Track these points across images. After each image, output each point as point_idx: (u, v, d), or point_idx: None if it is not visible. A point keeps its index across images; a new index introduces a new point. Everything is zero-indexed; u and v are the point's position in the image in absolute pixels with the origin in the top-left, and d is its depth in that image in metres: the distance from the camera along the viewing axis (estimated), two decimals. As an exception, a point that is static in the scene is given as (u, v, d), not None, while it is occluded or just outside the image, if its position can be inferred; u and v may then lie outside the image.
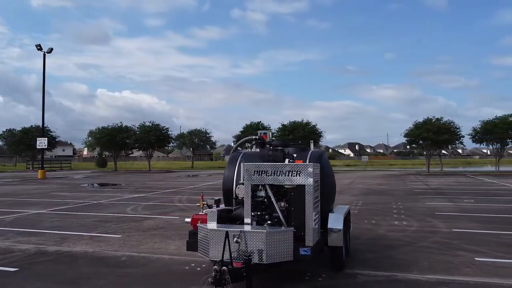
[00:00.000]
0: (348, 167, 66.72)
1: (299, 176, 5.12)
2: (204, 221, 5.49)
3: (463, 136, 40.75)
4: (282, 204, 5.36)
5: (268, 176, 5.22)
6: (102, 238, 8.73)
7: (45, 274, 6.15)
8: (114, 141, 48.87)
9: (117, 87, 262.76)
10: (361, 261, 6.69)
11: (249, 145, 8.59)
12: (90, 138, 54.58)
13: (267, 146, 6.46)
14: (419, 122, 40.52)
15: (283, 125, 44.18)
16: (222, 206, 6.64)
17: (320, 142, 44.91)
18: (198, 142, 62.09)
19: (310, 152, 6.56)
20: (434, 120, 39.90)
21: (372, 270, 6.18)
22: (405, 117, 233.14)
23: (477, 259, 6.83)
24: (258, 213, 5.36)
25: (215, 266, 4.35)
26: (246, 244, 4.72)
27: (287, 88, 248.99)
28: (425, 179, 30.57)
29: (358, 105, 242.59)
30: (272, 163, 5.37)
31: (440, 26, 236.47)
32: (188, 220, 5.88)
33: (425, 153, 41.80)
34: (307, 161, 6.26)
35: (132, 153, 66.38)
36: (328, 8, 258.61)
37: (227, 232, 4.68)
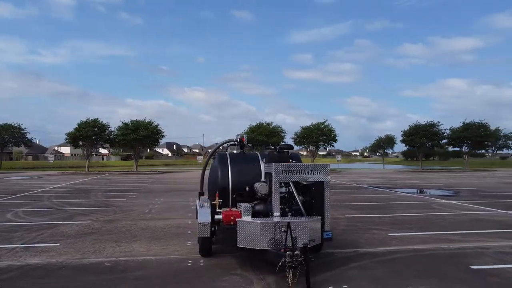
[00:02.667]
0: (186, 166, 67.95)
1: (320, 174, 6.20)
2: (238, 216, 5.98)
3: (283, 140, 47.26)
4: (301, 197, 6.33)
5: (294, 174, 6.11)
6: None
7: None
8: None
9: None
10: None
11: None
12: None
13: (275, 148, 7.24)
14: (253, 125, 45.21)
15: (125, 123, 42.35)
16: (206, 204, 7.10)
17: (160, 141, 44.94)
18: (8, 139, 53.05)
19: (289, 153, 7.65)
20: (265, 124, 45.15)
21: (338, 249, 7.66)
22: (213, 119, 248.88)
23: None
24: (281, 206, 6.18)
25: (289, 252, 5.08)
26: (295, 232, 5.54)
27: (96, 82, 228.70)
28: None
29: (171, 105, 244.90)
30: (298, 164, 6.27)
31: (245, 37, 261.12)
32: (220, 217, 6.19)
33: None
34: (290, 161, 7.36)
35: None
36: (141, 4, 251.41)
37: (289, 223, 5.41)
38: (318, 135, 45.01)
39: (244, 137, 7.95)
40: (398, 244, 8.14)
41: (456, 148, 53.17)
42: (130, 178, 33.12)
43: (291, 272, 5.13)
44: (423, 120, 71.88)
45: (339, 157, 58.04)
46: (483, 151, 59.74)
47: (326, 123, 46.57)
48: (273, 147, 7.55)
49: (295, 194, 6.23)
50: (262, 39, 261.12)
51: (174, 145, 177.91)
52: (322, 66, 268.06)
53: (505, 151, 66.30)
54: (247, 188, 6.79)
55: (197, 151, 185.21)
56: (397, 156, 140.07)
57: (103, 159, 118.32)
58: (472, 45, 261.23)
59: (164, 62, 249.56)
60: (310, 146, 46.80)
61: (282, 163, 6.16)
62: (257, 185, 6.40)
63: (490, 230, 9.60)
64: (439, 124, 47.77)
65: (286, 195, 6.29)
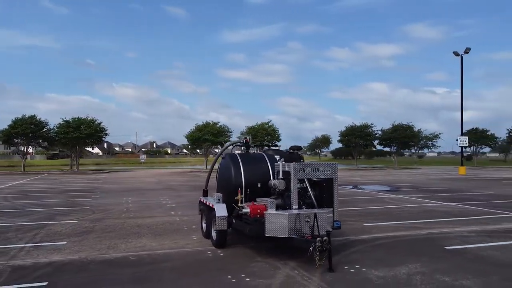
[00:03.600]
0: (119, 165, 65.69)
1: (330, 171, 7.16)
2: (263, 209, 6.72)
3: (229, 139, 48.19)
4: (312, 192, 7.24)
5: (309, 172, 7.00)
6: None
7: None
8: None
9: None
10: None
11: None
12: None
13: (288, 149, 8.04)
14: (200, 124, 45.50)
15: (66, 121, 40.29)
16: (218, 200, 7.79)
17: (104, 139, 43.38)
18: None
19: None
20: (212, 124, 45.65)
21: (332, 238, 8.70)
22: (144, 116, 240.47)
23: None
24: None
25: (319, 238, 5.96)
26: (317, 222, 6.43)
27: (11, 74, 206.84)
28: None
29: (97, 102, 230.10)
30: (312, 163, 7.16)
31: (178, 34, 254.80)
32: (248, 210, 6.85)
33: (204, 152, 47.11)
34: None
35: None
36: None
37: (315, 214, 6.28)
38: (263, 135, 46.44)
39: (248, 138, 8.70)
40: (377, 232, 9.38)
41: (387, 148, 57.69)
42: (75, 178, 31.81)
43: (318, 255, 6.02)
44: (350, 121, 77.01)
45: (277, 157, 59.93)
46: (406, 150, 65.18)
47: (270, 123, 48.22)
48: (274, 148, 8.36)
49: (309, 189, 7.13)
50: (195, 37, 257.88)
51: (105, 144, 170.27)
52: (255, 66, 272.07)
53: (425, 150, 73.25)
54: (259, 185, 7.59)
55: (130, 149, 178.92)
56: (325, 155, 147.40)
57: (27, 158, 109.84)
58: (392, 51, 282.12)
59: (90, 55, 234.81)
60: (255, 146, 48.12)
61: (299, 163, 7.04)
62: (275, 182, 7.18)
63: (443, 218, 11.26)
64: (372, 125, 51.70)
65: (300, 190, 7.16)
